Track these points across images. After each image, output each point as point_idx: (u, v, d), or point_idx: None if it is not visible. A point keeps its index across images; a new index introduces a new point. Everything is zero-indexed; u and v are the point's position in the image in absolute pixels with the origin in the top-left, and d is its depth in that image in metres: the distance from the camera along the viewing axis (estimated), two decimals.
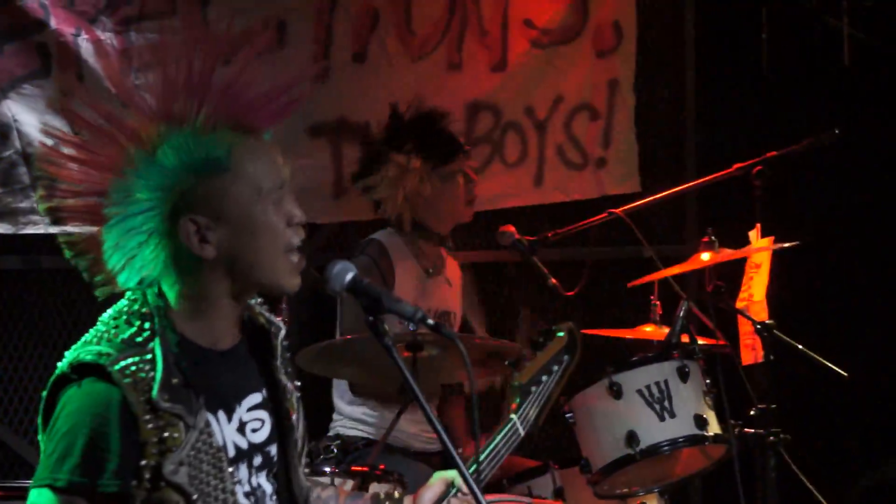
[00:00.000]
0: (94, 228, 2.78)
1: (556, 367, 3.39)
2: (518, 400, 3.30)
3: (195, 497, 2.70)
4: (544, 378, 3.36)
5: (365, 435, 5.24)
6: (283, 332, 3.00)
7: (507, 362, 4.48)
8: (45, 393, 2.77)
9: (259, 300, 2.99)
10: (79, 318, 5.76)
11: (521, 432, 3.28)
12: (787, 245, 5.09)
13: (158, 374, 2.70)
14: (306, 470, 3.01)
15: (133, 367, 2.69)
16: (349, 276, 2.83)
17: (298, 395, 2.99)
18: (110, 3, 5.38)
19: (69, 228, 2.81)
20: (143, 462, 2.68)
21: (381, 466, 4.46)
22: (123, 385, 2.67)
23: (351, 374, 5.05)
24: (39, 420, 2.79)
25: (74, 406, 2.71)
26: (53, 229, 2.86)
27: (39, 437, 2.78)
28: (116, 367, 2.69)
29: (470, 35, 6.23)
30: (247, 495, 2.82)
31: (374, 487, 4.26)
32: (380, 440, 4.71)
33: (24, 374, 5.73)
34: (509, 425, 3.27)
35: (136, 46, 5.33)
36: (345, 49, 5.96)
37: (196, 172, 2.75)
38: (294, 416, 2.94)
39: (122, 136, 2.76)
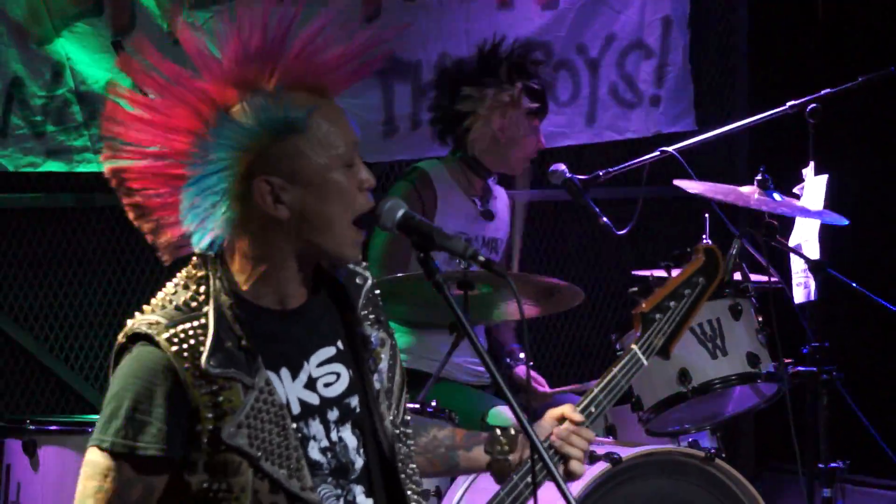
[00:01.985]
0: (161, 190, 2.76)
1: (687, 291, 3.26)
2: (641, 329, 3.20)
3: (259, 455, 2.69)
4: (672, 304, 3.24)
5: (405, 365, 5.22)
6: (370, 282, 2.96)
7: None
8: (110, 365, 2.79)
9: None
10: (132, 256, 5.80)
11: (644, 362, 3.18)
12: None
13: (209, 340, 2.70)
14: (408, 417, 2.97)
15: (183, 334, 2.70)
16: (400, 213, 2.83)
17: (392, 342, 2.96)
18: None
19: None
20: (199, 427, 2.68)
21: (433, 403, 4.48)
22: (171, 353, 2.68)
23: (402, 312, 5.05)
24: None
25: (124, 370, 2.73)
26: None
27: None
28: (165, 335, 2.69)
29: None
30: (323, 451, 2.80)
31: None
32: (433, 376, 4.71)
33: (78, 311, 5.77)
34: (629, 356, 3.17)
35: None
36: None
37: (273, 133, 2.73)
38: (381, 366, 2.91)
39: (192, 97, 2.74)
